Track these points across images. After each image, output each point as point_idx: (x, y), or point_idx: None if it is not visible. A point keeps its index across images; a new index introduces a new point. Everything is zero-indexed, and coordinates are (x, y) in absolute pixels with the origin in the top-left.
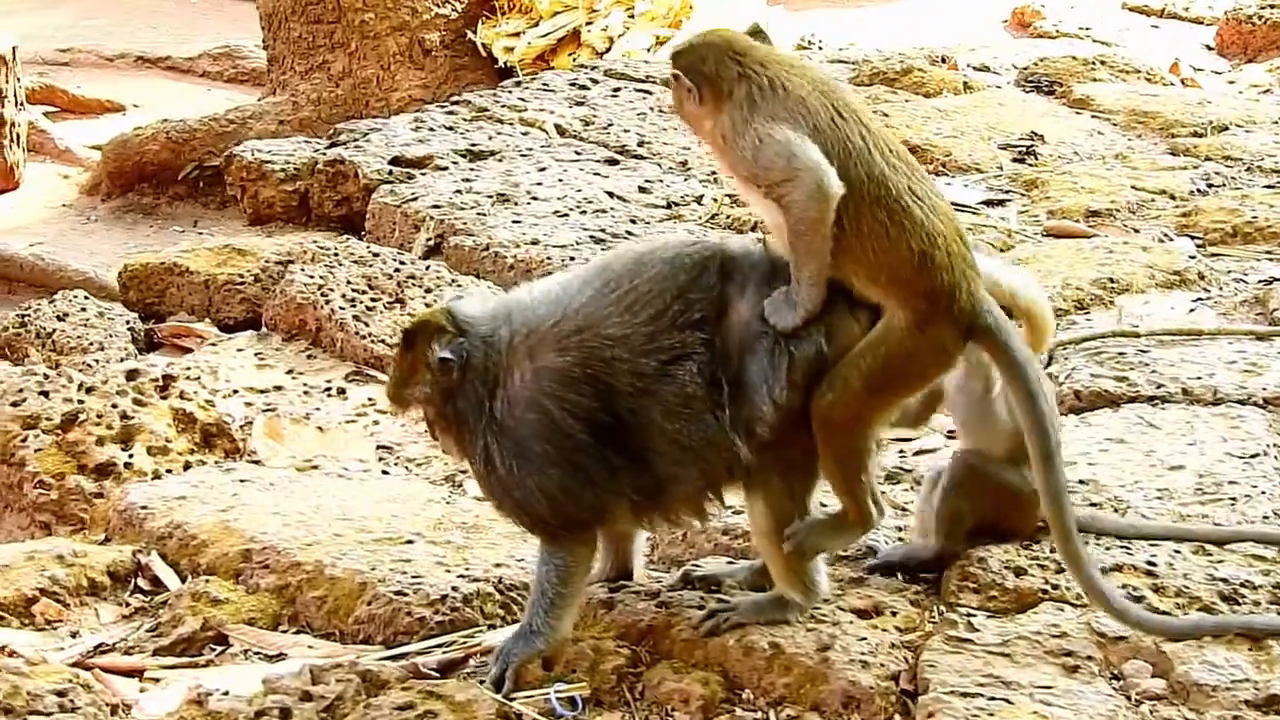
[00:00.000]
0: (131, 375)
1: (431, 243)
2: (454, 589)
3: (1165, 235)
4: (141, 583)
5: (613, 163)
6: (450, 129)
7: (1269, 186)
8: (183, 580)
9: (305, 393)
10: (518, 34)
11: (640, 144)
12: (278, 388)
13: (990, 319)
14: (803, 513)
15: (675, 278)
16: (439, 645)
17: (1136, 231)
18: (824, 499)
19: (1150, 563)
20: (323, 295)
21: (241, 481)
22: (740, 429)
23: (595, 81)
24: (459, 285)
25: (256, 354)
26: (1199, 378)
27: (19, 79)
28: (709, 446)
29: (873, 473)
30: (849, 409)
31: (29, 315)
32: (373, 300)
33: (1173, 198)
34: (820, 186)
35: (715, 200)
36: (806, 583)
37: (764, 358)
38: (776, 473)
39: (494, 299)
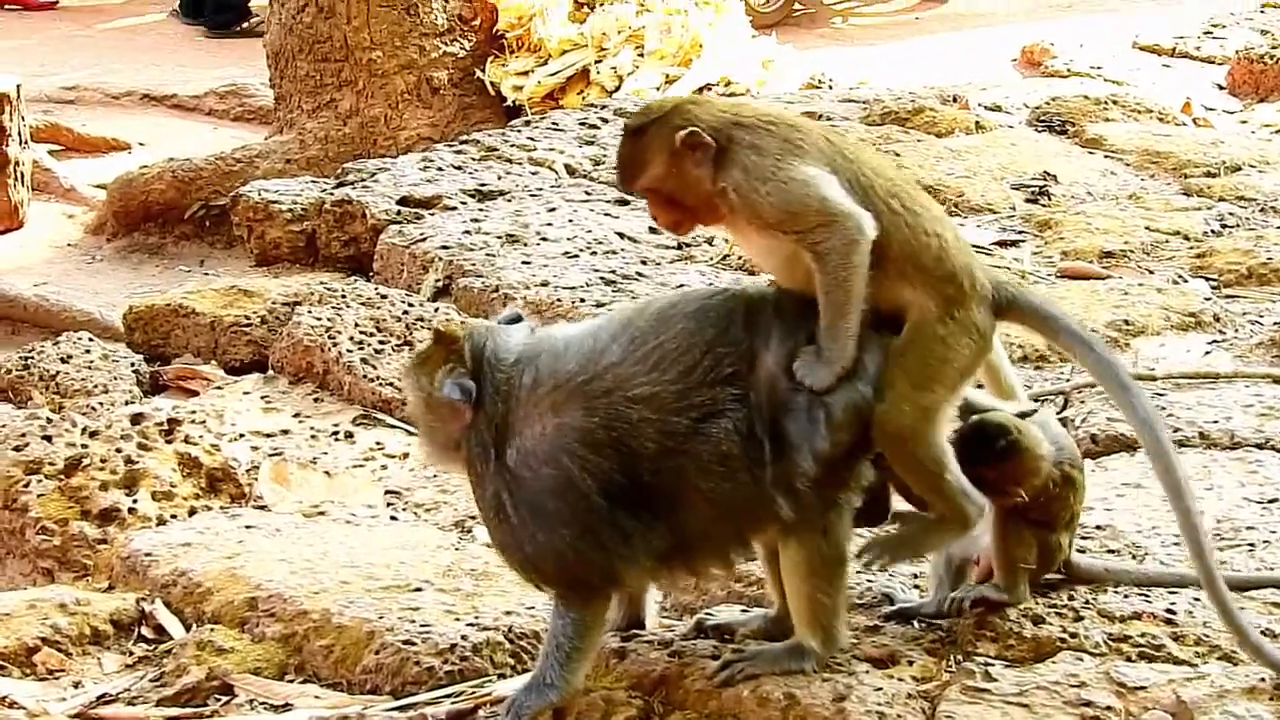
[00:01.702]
0: (136, 419)
1: (440, 284)
2: (463, 638)
3: (1180, 276)
4: (145, 631)
5: (623, 203)
6: (459, 168)
7: None
8: (187, 629)
9: (312, 436)
10: (526, 73)
11: None
12: (284, 431)
13: (1010, 290)
14: (837, 548)
15: (702, 332)
16: (448, 695)
17: (1151, 273)
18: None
19: (1170, 610)
20: (330, 337)
21: (247, 528)
22: (780, 486)
23: (605, 120)
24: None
25: (263, 397)
26: (1216, 421)
27: (23, 117)
28: (745, 503)
29: (955, 470)
30: (905, 414)
31: (32, 357)
32: (381, 343)
33: (1187, 238)
34: (859, 229)
35: (726, 241)
36: (827, 629)
37: (801, 415)
38: (816, 514)
39: (531, 336)
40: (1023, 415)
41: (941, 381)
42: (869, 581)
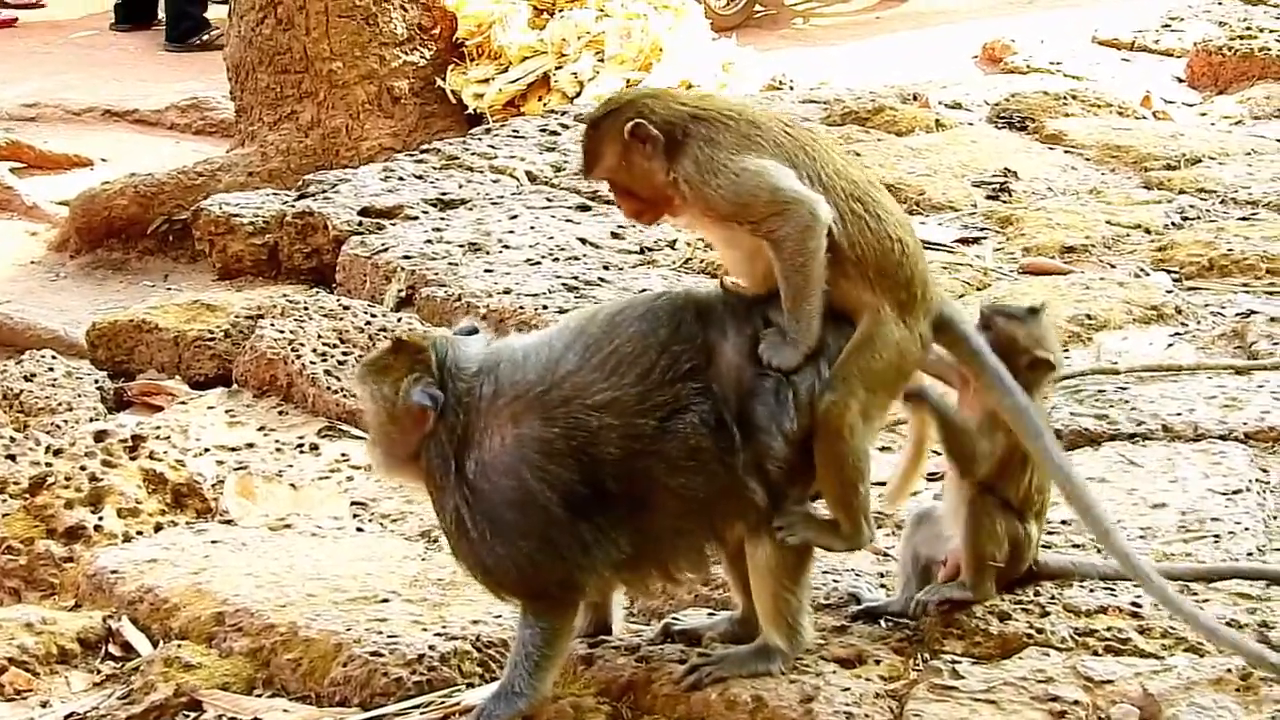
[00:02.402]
0: (100, 436)
1: (403, 294)
2: (431, 648)
3: (1141, 270)
4: (113, 649)
5: (585, 209)
6: (420, 178)
7: (1243, 219)
8: (154, 645)
9: (277, 450)
10: (487, 80)
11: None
12: (249, 445)
13: (949, 309)
14: (808, 551)
15: (655, 333)
16: (417, 706)
17: (1113, 267)
18: None
19: (1135, 604)
20: (293, 350)
21: (213, 542)
22: (752, 471)
23: (565, 127)
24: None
25: (227, 411)
26: (1179, 414)
27: None
28: (719, 496)
29: (868, 489)
30: (851, 410)
31: None
32: (344, 354)
33: (1148, 232)
34: (813, 215)
35: (689, 244)
36: (793, 627)
37: (768, 397)
38: (786, 498)
39: (488, 346)
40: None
41: (886, 385)
42: (834, 581)
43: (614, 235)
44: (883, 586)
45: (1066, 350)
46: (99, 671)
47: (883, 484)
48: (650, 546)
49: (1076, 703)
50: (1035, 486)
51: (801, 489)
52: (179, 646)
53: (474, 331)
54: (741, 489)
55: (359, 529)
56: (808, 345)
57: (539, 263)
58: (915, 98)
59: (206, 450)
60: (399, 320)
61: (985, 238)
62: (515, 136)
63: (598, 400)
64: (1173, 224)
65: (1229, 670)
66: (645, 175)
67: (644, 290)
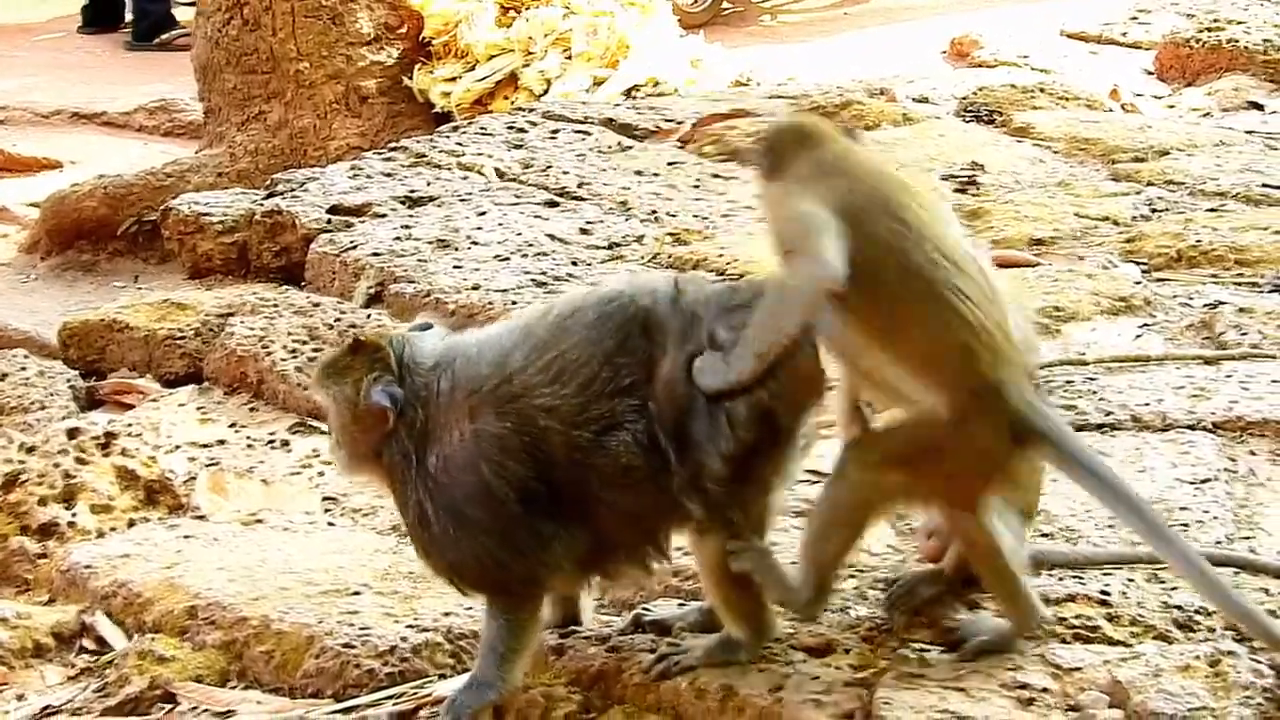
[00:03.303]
0: (73, 434)
1: (372, 291)
2: (403, 639)
3: (1110, 262)
4: (87, 643)
5: (553, 205)
6: (388, 175)
7: (1211, 210)
8: (129, 639)
9: (249, 446)
10: (454, 79)
11: (580, 185)
12: (221, 442)
13: (1043, 423)
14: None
15: (601, 343)
16: (389, 697)
17: (1081, 259)
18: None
19: (1104, 592)
20: (263, 347)
21: (185, 538)
22: (689, 489)
23: (533, 124)
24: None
25: (199, 408)
26: (1147, 404)
27: None
28: (652, 512)
29: (843, 566)
30: (863, 482)
31: None
32: (315, 351)
33: (1116, 224)
34: (822, 276)
35: (657, 240)
36: (756, 623)
37: (703, 416)
38: (730, 514)
39: (443, 341)
40: None
41: (921, 482)
42: None
43: (582, 231)
44: (851, 577)
45: None
46: (74, 665)
47: None
48: (596, 550)
49: (1045, 690)
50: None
51: (741, 509)
52: (153, 640)
53: (428, 327)
54: (678, 506)
55: (330, 523)
56: (737, 379)
57: (508, 259)
58: (882, 92)
59: (178, 447)
60: (368, 317)
61: None
62: (483, 134)
63: (542, 404)
64: (1141, 216)
65: (1197, 657)
66: (757, 184)
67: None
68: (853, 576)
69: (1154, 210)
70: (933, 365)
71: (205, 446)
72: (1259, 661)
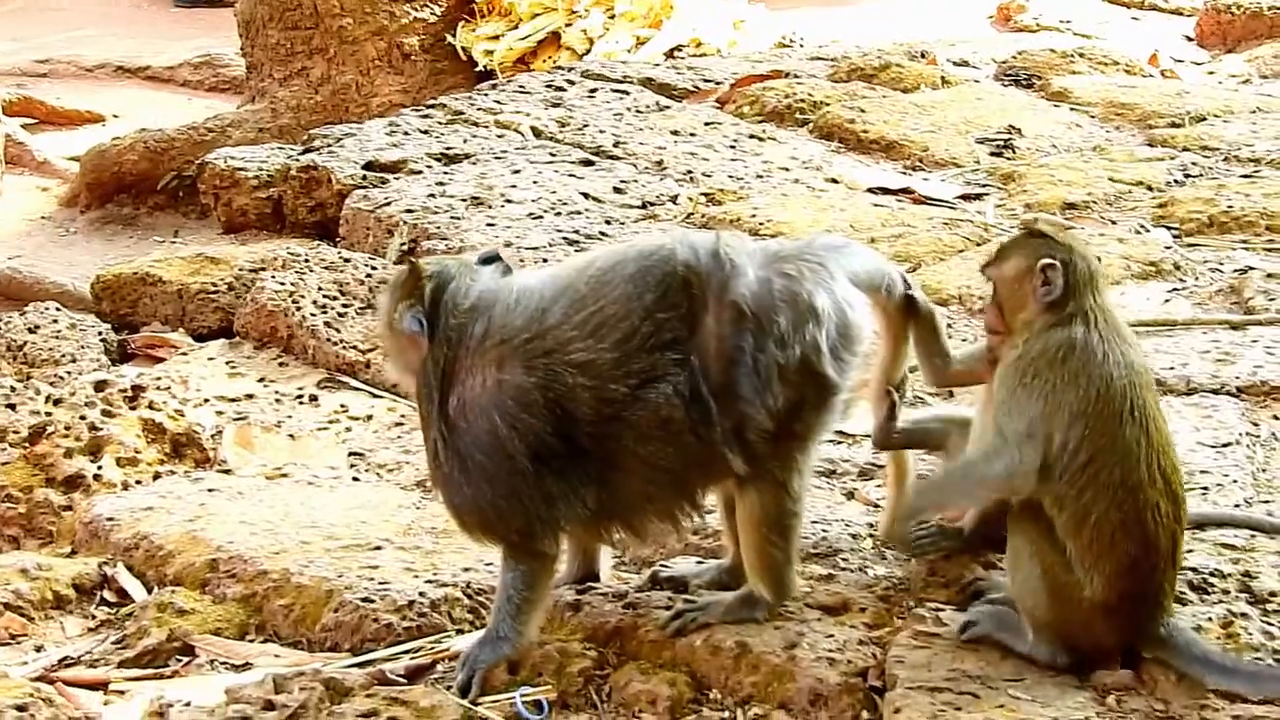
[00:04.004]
0: (100, 386)
1: (405, 247)
2: (421, 594)
3: (1142, 226)
4: (107, 595)
5: (588, 164)
6: (425, 133)
7: (1245, 176)
8: (149, 591)
9: (277, 401)
10: (497, 37)
11: (616, 144)
12: (249, 396)
13: (1164, 629)
14: (794, 502)
15: (641, 298)
16: (406, 651)
17: (1113, 223)
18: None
19: None
20: (294, 302)
21: (209, 491)
22: (732, 441)
23: (571, 83)
24: None
25: (228, 362)
26: (1172, 368)
27: None
28: (691, 465)
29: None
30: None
31: None
32: (344, 306)
33: (1150, 189)
34: (1011, 477)
35: (690, 200)
36: (781, 582)
37: (749, 367)
38: (771, 467)
39: (488, 283)
40: None
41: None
42: (823, 531)
43: (616, 190)
44: (871, 536)
45: None
46: (93, 617)
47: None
48: (620, 506)
49: None
50: None
51: (781, 462)
52: (173, 592)
53: (493, 259)
54: (719, 459)
55: (355, 479)
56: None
57: (540, 217)
58: (923, 55)
59: (206, 401)
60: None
61: (988, 194)
62: (521, 92)
63: (575, 359)
64: (1175, 181)
65: (1210, 619)
66: (1016, 300)
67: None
68: (872, 535)
69: (1188, 175)
70: (1104, 561)
71: (233, 400)
72: (1270, 624)
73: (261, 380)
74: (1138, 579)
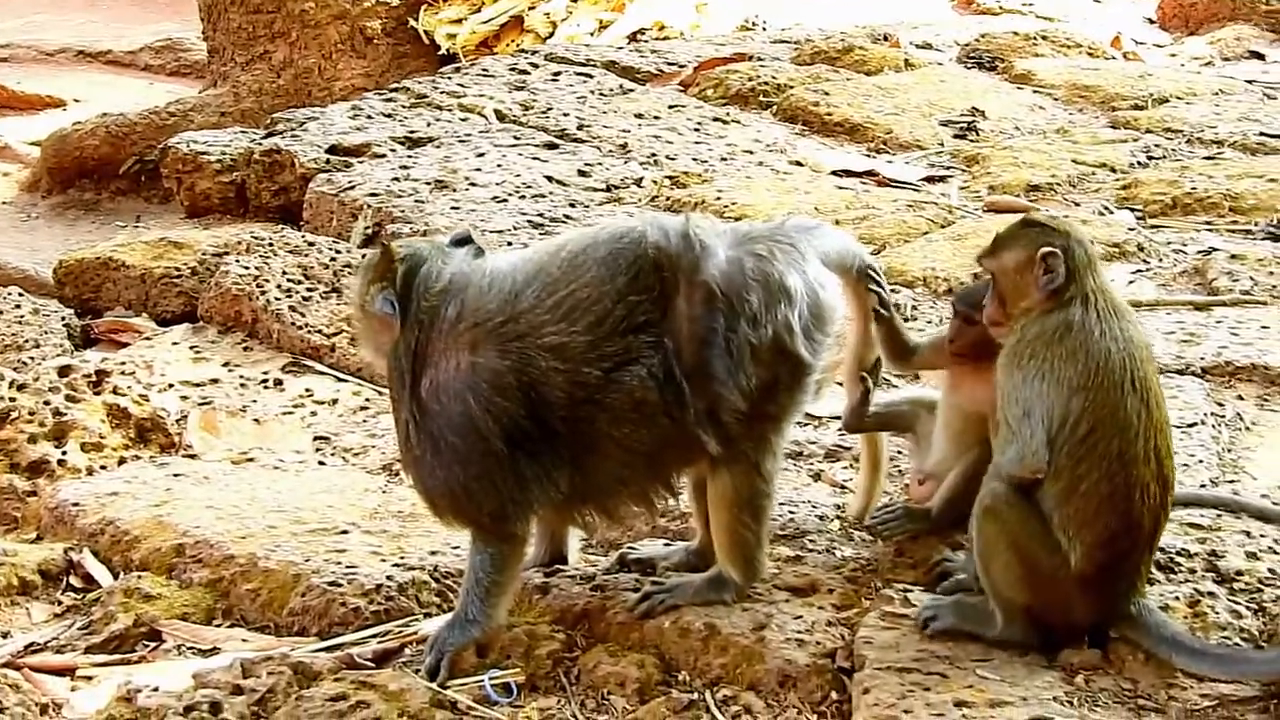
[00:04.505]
0: (64, 371)
1: (369, 231)
2: (389, 578)
3: (1105, 208)
4: (74, 580)
5: (552, 147)
6: (388, 116)
7: (1208, 158)
8: (115, 577)
9: (242, 385)
10: (460, 20)
11: (580, 128)
12: (214, 381)
13: (1134, 609)
14: (765, 483)
15: (613, 281)
16: (374, 635)
17: (1077, 205)
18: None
19: None
20: (258, 286)
21: (175, 476)
22: (705, 422)
23: (535, 66)
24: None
25: (192, 347)
26: None
27: None
28: (665, 447)
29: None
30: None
31: None
32: (309, 290)
33: (1113, 170)
34: (1021, 466)
35: (655, 183)
36: (751, 564)
37: (721, 348)
38: (744, 448)
39: (459, 266)
40: None
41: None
42: (790, 512)
43: (580, 173)
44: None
45: None
46: (60, 603)
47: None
48: (593, 489)
49: None
50: None
51: (754, 442)
52: (139, 578)
53: (466, 241)
54: (693, 440)
55: (321, 463)
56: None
57: (505, 200)
58: (886, 38)
59: (171, 386)
60: (363, 257)
61: (951, 176)
62: (484, 75)
63: (548, 342)
64: (1138, 163)
65: (1177, 598)
66: (1016, 290)
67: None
68: (839, 517)
69: (1151, 158)
70: (1086, 531)
71: (198, 385)
72: (1237, 603)
73: (226, 365)
74: (1115, 553)
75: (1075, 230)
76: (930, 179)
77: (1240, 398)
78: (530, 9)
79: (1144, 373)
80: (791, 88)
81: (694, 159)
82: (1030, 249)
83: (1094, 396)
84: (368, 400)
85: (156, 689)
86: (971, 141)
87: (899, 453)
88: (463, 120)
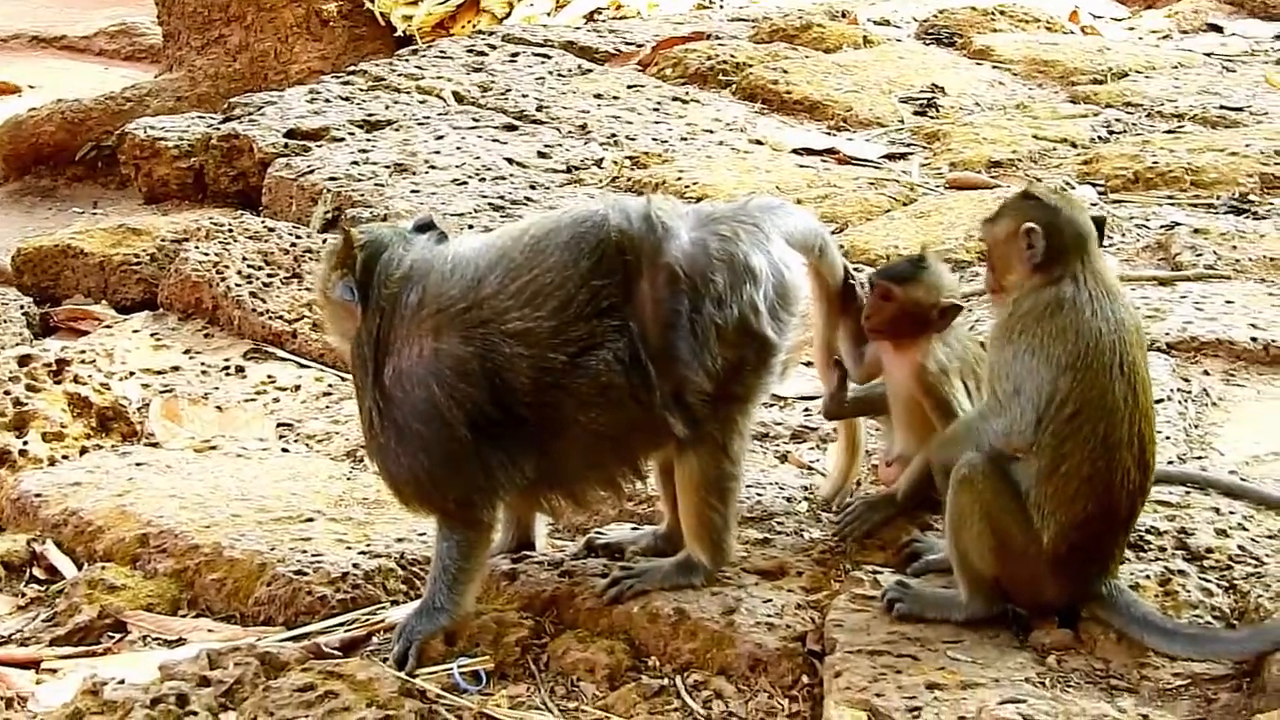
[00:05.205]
0: (24, 361)
1: (329, 215)
2: (355, 566)
3: (1067, 183)
4: (37, 572)
5: (511, 128)
6: (346, 100)
7: (1169, 132)
8: (79, 568)
9: (203, 372)
10: (416, 2)
11: (539, 109)
12: (175, 368)
13: (1105, 589)
14: (734, 464)
15: (577, 265)
16: (341, 624)
17: (1039, 181)
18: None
19: None
20: (218, 273)
21: (138, 465)
22: (672, 405)
23: (493, 47)
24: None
25: (153, 334)
26: None
27: None
28: (633, 429)
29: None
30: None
31: None
32: (269, 276)
33: (1074, 145)
34: (1008, 438)
35: (615, 163)
36: (717, 543)
37: (686, 329)
38: (711, 430)
39: (420, 252)
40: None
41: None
42: (757, 495)
43: (540, 155)
44: (807, 499)
45: None
46: (23, 595)
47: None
48: (560, 475)
49: None
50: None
51: (721, 424)
52: (103, 569)
53: (427, 227)
54: (660, 423)
55: (284, 450)
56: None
57: (465, 183)
58: (843, 15)
59: (132, 374)
60: (324, 242)
61: (912, 153)
62: (442, 57)
63: (512, 328)
64: (1099, 138)
65: (1148, 576)
66: (1003, 262)
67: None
68: (807, 499)
69: (1112, 132)
70: (1062, 511)
71: (159, 373)
72: (1208, 580)
73: (187, 352)
74: (1089, 535)
75: (1069, 208)
76: (891, 156)
77: (1206, 373)
78: None
79: (1133, 357)
80: (750, 66)
81: (654, 139)
82: (1017, 221)
83: (1082, 377)
84: (330, 386)
85: (123, 681)
86: (932, 118)
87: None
88: (421, 103)
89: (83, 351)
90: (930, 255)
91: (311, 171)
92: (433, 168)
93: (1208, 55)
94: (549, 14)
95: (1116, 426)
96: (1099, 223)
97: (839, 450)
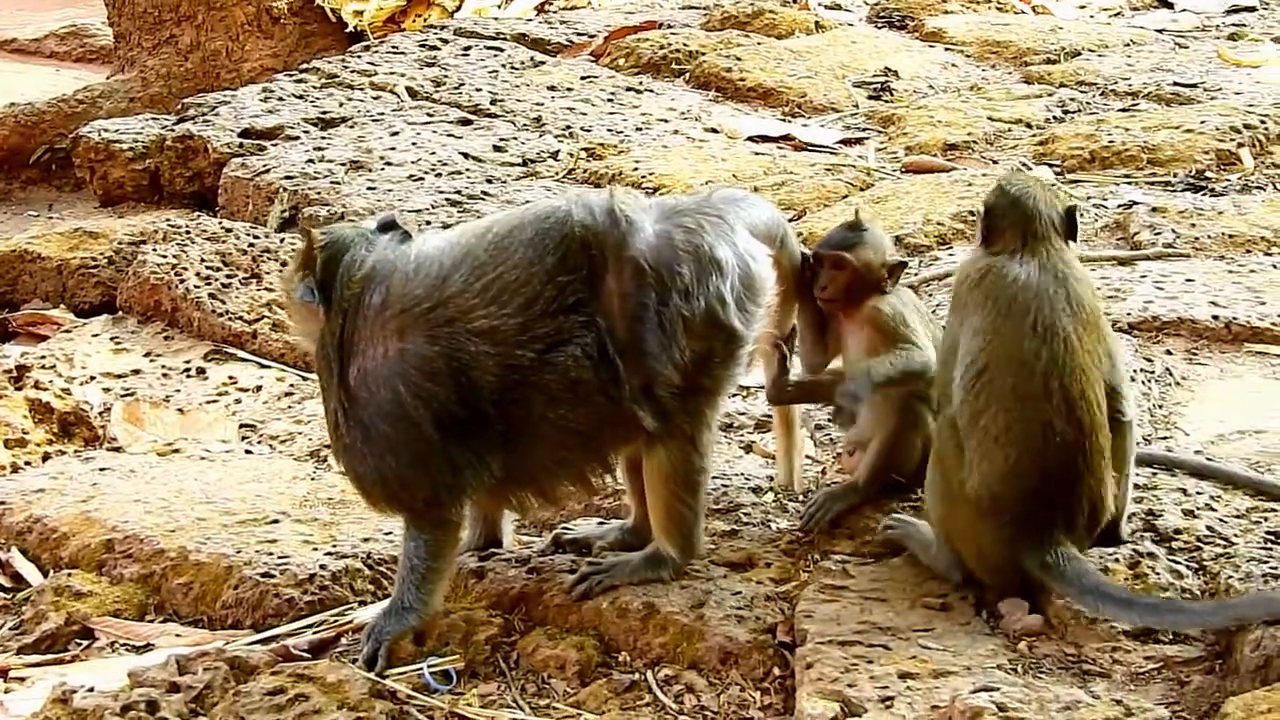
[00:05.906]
0: None
1: (286, 214)
2: (322, 567)
3: (1024, 164)
4: (2, 580)
5: (466, 123)
6: (300, 98)
7: (1124, 110)
8: (44, 575)
9: (164, 375)
10: None
11: (493, 102)
12: (136, 371)
13: (1052, 559)
14: (702, 458)
15: (542, 261)
16: (309, 626)
17: (995, 163)
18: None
19: None
20: (176, 275)
21: (101, 470)
22: (641, 399)
23: (445, 41)
24: None
25: (112, 338)
26: None
27: None
28: (602, 425)
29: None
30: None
31: None
32: (228, 277)
33: (1029, 126)
34: (939, 402)
35: (571, 155)
36: (686, 537)
37: (653, 323)
38: (680, 423)
39: (382, 252)
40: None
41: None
42: (724, 486)
43: (496, 149)
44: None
45: (949, 246)
46: None
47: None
48: (529, 472)
49: (964, 598)
50: None
51: (690, 417)
52: (69, 575)
53: (390, 226)
54: (630, 417)
55: (248, 451)
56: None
57: (421, 178)
58: (794, 0)
59: (93, 378)
60: (282, 241)
61: (868, 138)
62: (394, 53)
63: (478, 326)
64: (1054, 118)
65: (1117, 560)
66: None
67: (527, 203)
68: (772, 490)
69: (1066, 112)
70: (985, 461)
71: (120, 377)
72: (1177, 562)
73: (148, 355)
74: (1018, 490)
75: (1028, 194)
76: (847, 141)
77: (1169, 353)
78: None
79: (1055, 320)
80: (703, 54)
81: (609, 130)
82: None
83: (991, 339)
84: (292, 386)
85: (92, 689)
86: (886, 102)
87: (829, 420)
88: (375, 99)
89: (43, 357)
90: (863, 218)
91: (267, 171)
92: (388, 164)
93: (1160, 32)
94: (499, 6)
95: (1026, 380)
96: (1070, 212)
97: (777, 433)
